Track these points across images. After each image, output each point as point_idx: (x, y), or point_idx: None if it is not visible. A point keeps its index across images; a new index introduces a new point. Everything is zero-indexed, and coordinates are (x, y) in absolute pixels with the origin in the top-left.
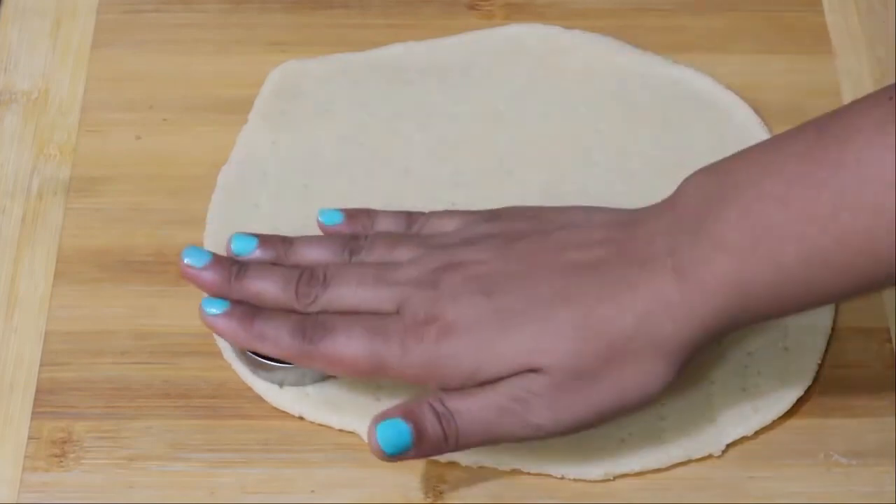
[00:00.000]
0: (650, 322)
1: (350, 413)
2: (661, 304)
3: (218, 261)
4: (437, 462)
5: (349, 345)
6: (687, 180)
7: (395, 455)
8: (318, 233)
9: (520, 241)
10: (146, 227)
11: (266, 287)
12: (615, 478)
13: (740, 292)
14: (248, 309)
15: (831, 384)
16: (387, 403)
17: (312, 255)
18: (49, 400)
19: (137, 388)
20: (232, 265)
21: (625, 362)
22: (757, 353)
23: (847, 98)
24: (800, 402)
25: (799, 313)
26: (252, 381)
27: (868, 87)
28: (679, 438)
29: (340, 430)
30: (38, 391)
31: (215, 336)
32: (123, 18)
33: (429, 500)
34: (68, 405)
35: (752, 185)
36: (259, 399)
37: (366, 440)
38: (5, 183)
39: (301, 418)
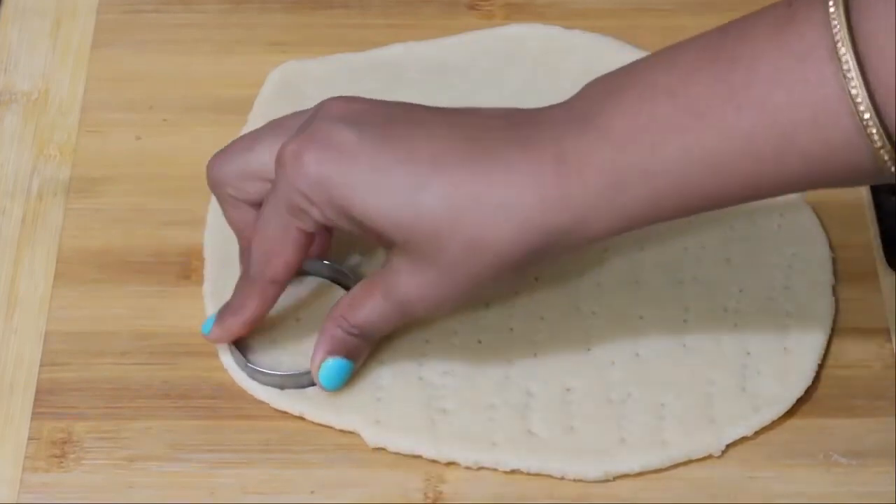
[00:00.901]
0: (517, 203)
1: (350, 413)
2: (534, 187)
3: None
4: (437, 462)
5: (268, 225)
6: (590, 82)
7: (344, 380)
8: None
9: (410, 104)
10: (146, 227)
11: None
12: (615, 478)
13: (616, 182)
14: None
15: (831, 384)
16: (387, 404)
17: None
18: (49, 400)
19: (137, 389)
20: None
21: (483, 251)
22: (757, 353)
23: None
24: (800, 402)
25: (669, 219)
26: (249, 386)
27: None
28: (679, 438)
29: (340, 430)
30: (38, 391)
31: None
32: (123, 18)
33: (429, 501)
34: (68, 405)
35: (646, 79)
36: (259, 399)
37: (366, 440)
38: (5, 183)
39: (301, 418)
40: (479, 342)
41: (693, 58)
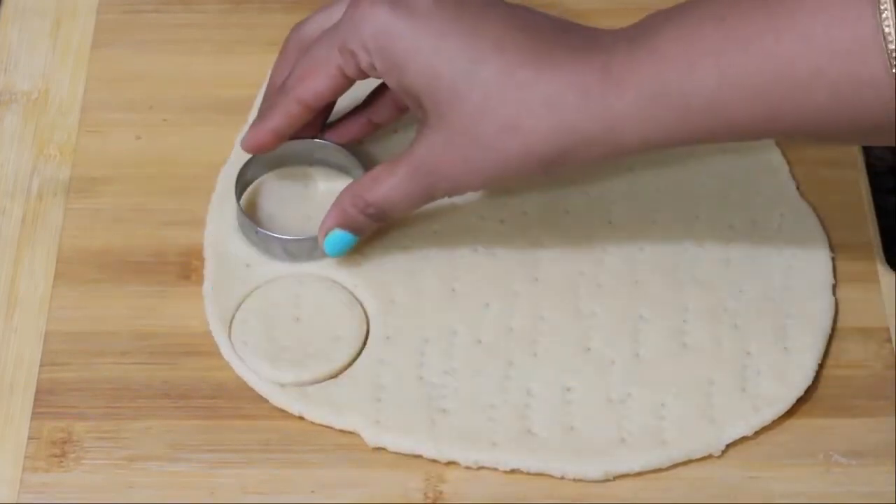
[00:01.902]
0: (559, 101)
1: (350, 413)
2: (577, 90)
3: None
4: (437, 462)
5: (316, 51)
6: (651, 13)
7: (346, 251)
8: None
9: None
10: (146, 227)
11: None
12: (615, 478)
13: (652, 96)
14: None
15: (831, 384)
16: (387, 404)
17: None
18: (49, 400)
19: (137, 389)
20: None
21: (515, 136)
22: (757, 353)
23: None
24: (800, 402)
25: (695, 143)
26: (249, 379)
27: None
28: (679, 438)
29: (341, 430)
30: (38, 391)
31: (214, 334)
32: (123, 18)
33: (429, 501)
34: (68, 405)
35: (700, 6)
36: (259, 399)
37: (366, 440)
38: (5, 183)
39: (301, 418)
40: (479, 342)
41: None
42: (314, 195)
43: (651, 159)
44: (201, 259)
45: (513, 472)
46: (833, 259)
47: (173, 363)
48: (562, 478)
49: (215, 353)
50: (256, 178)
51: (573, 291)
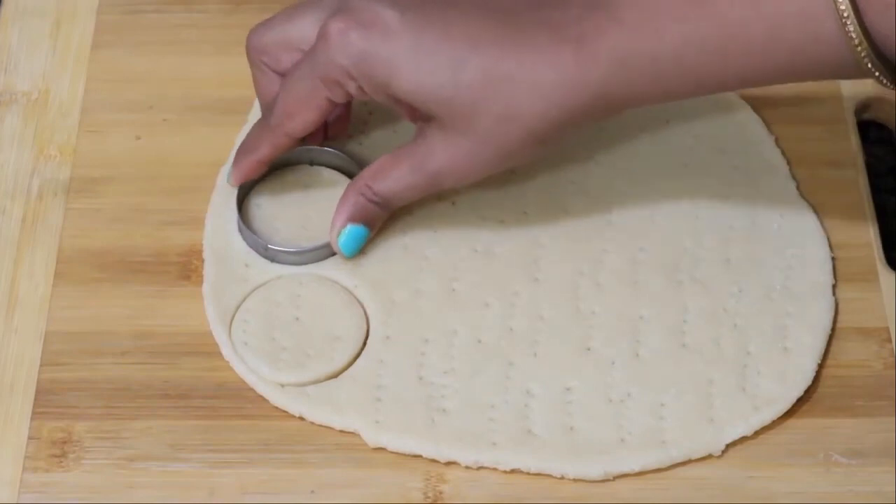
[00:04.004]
0: (544, 82)
1: (350, 413)
2: (557, 68)
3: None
4: (437, 462)
5: (298, 86)
6: None
7: (360, 247)
8: (320, 237)
9: None
10: (146, 227)
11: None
12: (615, 478)
13: (627, 64)
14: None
15: (831, 384)
16: (387, 404)
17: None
18: (49, 400)
19: (137, 388)
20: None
21: (515, 110)
22: (757, 353)
23: (847, 97)
24: (800, 402)
25: (676, 100)
26: (254, 383)
27: (869, 85)
28: (679, 438)
29: (341, 431)
30: (38, 391)
31: (214, 334)
32: (123, 19)
33: (429, 501)
34: (68, 405)
35: None
36: (259, 399)
37: (366, 440)
38: (5, 184)
39: (301, 418)
40: (479, 342)
41: None
42: (314, 196)
43: (651, 159)
44: (201, 259)
45: (513, 472)
46: (833, 259)
47: (173, 363)
48: (562, 478)
49: (215, 353)
50: (255, 185)
51: (573, 291)
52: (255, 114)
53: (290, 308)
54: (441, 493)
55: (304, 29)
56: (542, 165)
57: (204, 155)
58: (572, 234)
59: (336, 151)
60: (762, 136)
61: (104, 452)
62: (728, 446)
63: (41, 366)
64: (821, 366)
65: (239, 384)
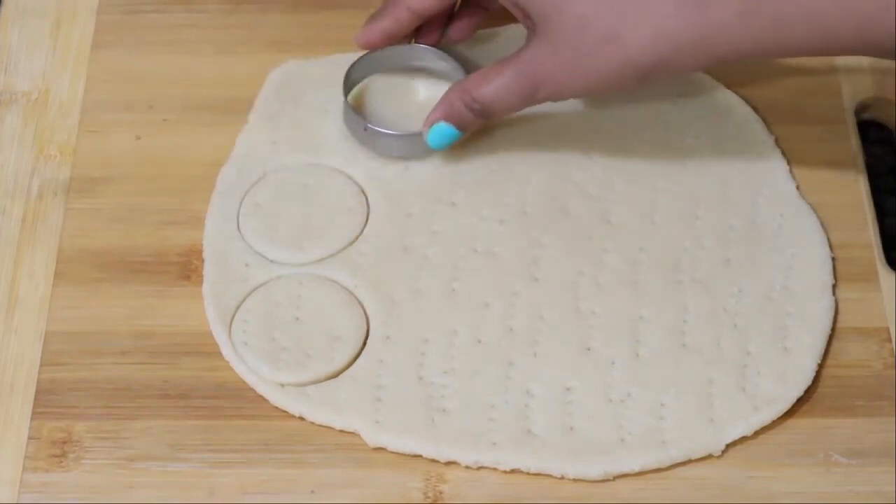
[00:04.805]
0: (658, 11)
1: (350, 413)
2: (677, 2)
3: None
4: (437, 462)
5: None
6: None
7: (448, 145)
8: (320, 236)
9: None
10: (146, 227)
11: None
12: (615, 478)
13: (750, 7)
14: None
15: (831, 384)
16: (387, 404)
17: None
18: (49, 400)
19: (137, 388)
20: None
21: (621, 33)
22: (757, 353)
23: (847, 98)
24: (800, 402)
25: (787, 56)
26: (254, 383)
27: (869, 85)
28: (679, 438)
29: (341, 431)
30: (38, 391)
31: (214, 334)
32: (123, 19)
33: (429, 501)
34: (68, 405)
35: None
36: (259, 399)
37: (366, 440)
38: (5, 184)
39: (301, 418)
40: (479, 342)
41: None
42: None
43: (651, 159)
44: (201, 259)
45: (513, 472)
46: (833, 259)
47: (173, 363)
48: (562, 478)
49: (215, 353)
50: (362, 79)
51: (573, 291)
52: (255, 114)
53: (290, 308)
54: (441, 493)
55: None
56: (542, 164)
57: (204, 155)
58: (572, 234)
59: (439, 51)
60: (762, 136)
61: (104, 452)
62: (728, 446)
63: (41, 366)
64: (821, 366)
65: (239, 384)
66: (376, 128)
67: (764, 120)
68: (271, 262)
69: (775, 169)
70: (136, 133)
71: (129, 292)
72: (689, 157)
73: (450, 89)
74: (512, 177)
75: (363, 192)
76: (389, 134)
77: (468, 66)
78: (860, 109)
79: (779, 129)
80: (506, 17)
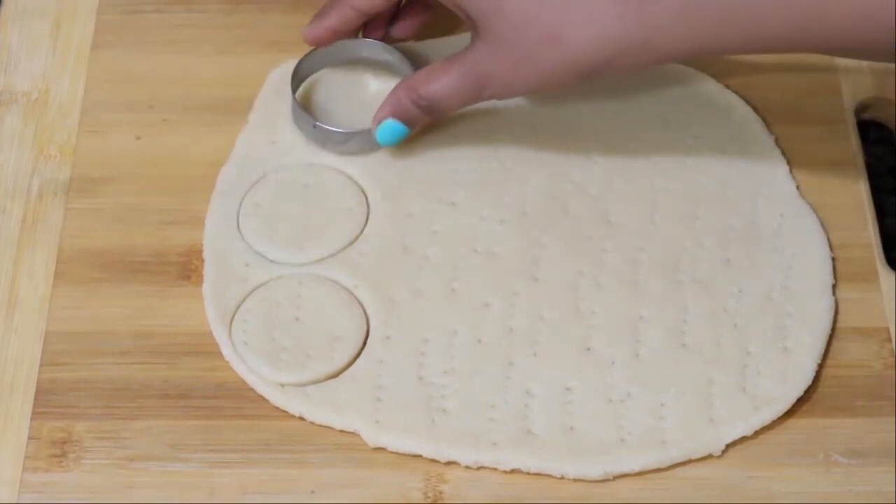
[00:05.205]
0: (600, 11)
1: (350, 413)
2: (617, 3)
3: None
4: (437, 462)
5: None
6: None
7: (397, 141)
8: (320, 236)
9: None
10: (146, 227)
11: None
12: (615, 478)
13: (691, 6)
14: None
15: (831, 384)
16: (387, 404)
17: None
18: (49, 400)
19: (137, 388)
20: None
21: (563, 33)
22: (757, 353)
23: (847, 98)
24: (800, 402)
25: (728, 53)
26: (254, 383)
27: (869, 85)
28: (679, 438)
29: (341, 431)
30: (38, 391)
31: (214, 334)
32: (123, 19)
33: (429, 500)
34: (68, 405)
35: None
36: (259, 399)
37: (366, 440)
38: (5, 184)
39: (301, 418)
40: (479, 342)
41: None
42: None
43: (651, 159)
44: (201, 259)
45: (513, 472)
46: (833, 259)
47: (173, 363)
48: (562, 478)
49: (215, 353)
50: (310, 74)
51: (573, 291)
52: (255, 114)
53: (290, 308)
54: (441, 493)
55: None
56: (542, 164)
57: (204, 155)
58: (572, 234)
59: (387, 45)
60: (762, 136)
61: (104, 452)
62: (728, 446)
63: (41, 366)
64: (821, 366)
65: (239, 384)
66: (325, 126)
67: (764, 120)
68: (271, 262)
69: (775, 169)
70: (136, 133)
71: (129, 292)
72: (688, 157)
73: (397, 86)
74: (512, 177)
75: (363, 192)
76: (338, 132)
77: (413, 59)
78: (860, 109)
79: (779, 129)
80: (454, 19)
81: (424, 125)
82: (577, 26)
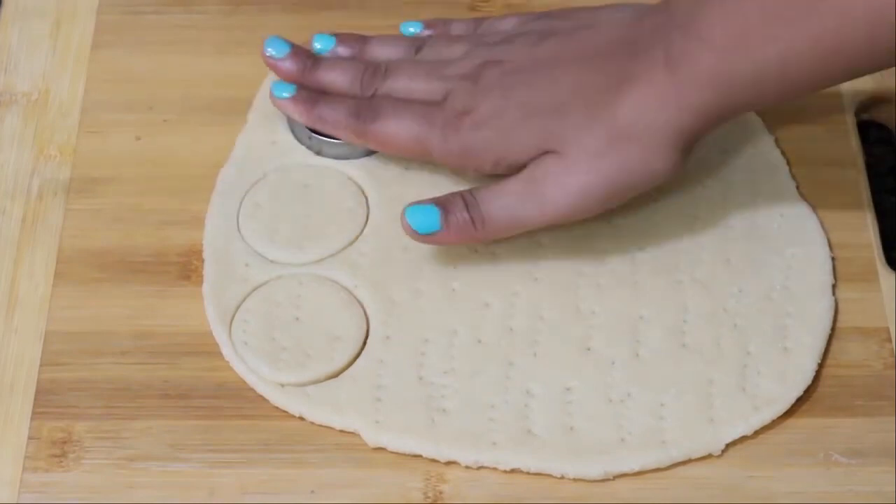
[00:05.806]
0: (646, 109)
1: (350, 413)
2: (654, 95)
3: (296, 52)
4: (437, 462)
5: (398, 127)
6: None
7: (427, 235)
8: (320, 236)
9: (550, 38)
10: (146, 227)
11: (335, 78)
12: (615, 477)
13: (724, 85)
14: (313, 94)
15: (831, 384)
16: (387, 404)
17: (383, 52)
18: (49, 400)
19: (137, 388)
20: (308, 58)
21: (628, 143)
22: (757, 353)
23: (847, 98)
24: (800, 402)
25: (780, 103)
26: (254, 383)
27: (869, 86)
28: (679, 438)
29: (341, 431)
30: (38, 391)
31: (214, 334)
32: (123, 19)
33: (429, 500)
34: (68, 405)
35: None
36: (259, 399)
37: (366, 440)
38: (5, 184)
39: (301, 418)
40: (479, 342)
41: None
42: (314, 196)
43: None
44: (201, 259)
45: (513, 472)
46: (833, 259)
47: (173, 363)
48: (562, 478)
49: (215, 353)
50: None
51: (573, 291)
52: (255, 114)
53: (290, 308)
54: (441, 493)
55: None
56: None
57: (204, 155)
58: (572, 234)
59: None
60: (762, 136)
61: (104, 452)
62: (728, 446)
63: (41, 366)
64: (821, 366)
65: (239, 384)
66: (321, 137)
67: (764, 120)
68: (271, 262)
69: (775, 169)
70: (136, 133)
71: (129, 292)
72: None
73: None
74: None
75: (363, 192)
76: (334, 143)
77: None
78: (860, 109)
79: (779, 129)
80: None
81: (469, 240)
82: (643, 125)
